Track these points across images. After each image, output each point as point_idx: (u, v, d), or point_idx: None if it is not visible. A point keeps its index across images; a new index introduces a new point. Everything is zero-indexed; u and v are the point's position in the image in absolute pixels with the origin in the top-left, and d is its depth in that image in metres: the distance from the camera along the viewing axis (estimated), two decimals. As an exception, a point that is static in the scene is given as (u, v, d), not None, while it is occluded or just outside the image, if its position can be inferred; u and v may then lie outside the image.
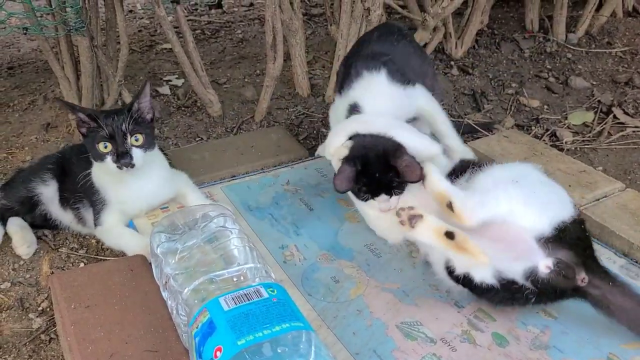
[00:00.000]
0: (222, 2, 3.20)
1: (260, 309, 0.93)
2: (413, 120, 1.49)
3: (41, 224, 1.46)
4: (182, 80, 2.22)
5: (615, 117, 1.94)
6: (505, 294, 1.09)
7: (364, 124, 1.31)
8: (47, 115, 2.02)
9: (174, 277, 1.05)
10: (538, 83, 2.21)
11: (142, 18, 3.13)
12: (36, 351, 1.16)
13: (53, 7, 1.66)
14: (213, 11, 3.16)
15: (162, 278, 1.10)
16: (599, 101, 2.04)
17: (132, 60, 2.41)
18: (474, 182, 1.17)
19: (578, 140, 1.84)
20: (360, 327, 1.13)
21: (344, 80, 1.46)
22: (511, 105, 2.06)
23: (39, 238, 1.44)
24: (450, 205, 1.10)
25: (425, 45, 2.24)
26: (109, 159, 1.26)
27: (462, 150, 1.49)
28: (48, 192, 1.43)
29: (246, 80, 2.29)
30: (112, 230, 1.35)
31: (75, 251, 1.42)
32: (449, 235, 1.07)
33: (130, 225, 1.39)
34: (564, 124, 1.93)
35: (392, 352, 1.07)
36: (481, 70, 2.29)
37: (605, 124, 1.91)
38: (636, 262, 1.29)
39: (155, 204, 1.41)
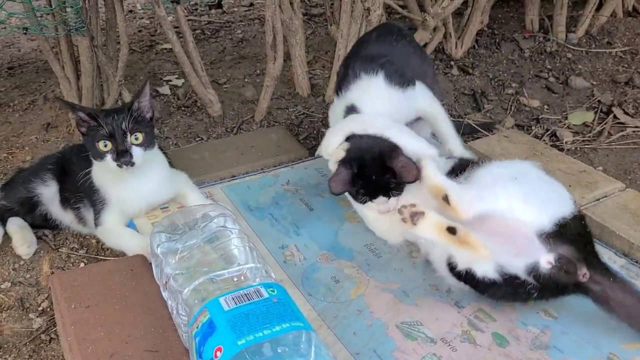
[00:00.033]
0: (222, 2, 3.20)
1: (261, 309, 0.93)
2: (415, 121, 1.49)
3: (41, 224, 1.46)
4: (182, 80, 2.22)
5: (615, 117, 1.94)
6: (508, 289, 1.09)
7: (361, 124, 1.31)
8: (47, 115, 2.02)
9: (174, 277, 1.05)
10: (538, 83, 2.21)
11: (142, 18, 3.13)
12: (36, 351, 1.16)
13: (53, 7, 1.66)
14: (213, 11, 3.16)
15: (162, 278, 1.10)
16: (599, 101, 2.04)
17: (132, 60, 2.41)
18: (472, 177, 1.17)
19: (578, 140, 1.84)
20: (360, 327, 1.13)
21: (342, 81, 1.45)
22: (511, 105, 2.06)
23: (39, 238, 1.44)
24: (446, 198, 1.11)
25: (425, 45, 2.24)
26: (108, 157, 1.27)
27: (461, 153, 1.49)
28: (48, 193, 1.43)
29: (246, 80, 2.29)
30: (113, 230, 1.35)
31: (76, 251, 1.42)
32: (451, 230, 1.07)
33: (131, 225, 1.39)
34: (564, 124, 1.93)
35: (392, 352, 1.07)
36: (481, 70, 2.29)
37: (605, 124, 1.91)
38: (636, 262, 1.29)
39: (155, 204, 1.41)
